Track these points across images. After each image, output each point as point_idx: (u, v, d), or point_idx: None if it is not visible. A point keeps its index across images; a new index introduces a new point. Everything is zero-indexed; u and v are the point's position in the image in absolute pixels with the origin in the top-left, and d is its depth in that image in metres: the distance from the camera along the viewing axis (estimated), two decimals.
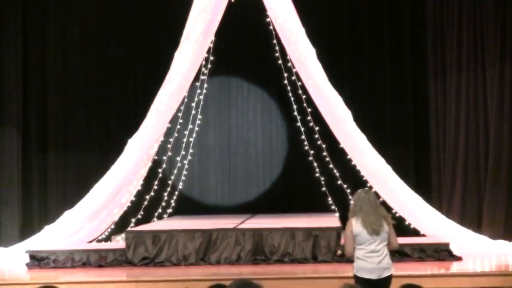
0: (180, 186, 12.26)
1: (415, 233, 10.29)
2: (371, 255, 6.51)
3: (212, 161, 13.38)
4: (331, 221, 10.43)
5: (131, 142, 10.35)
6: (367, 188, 6.89)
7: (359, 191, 6.74)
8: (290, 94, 11.29)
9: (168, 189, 11.98)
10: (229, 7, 10.39)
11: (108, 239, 11.04)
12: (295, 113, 11.42)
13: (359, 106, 11.37)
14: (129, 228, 10.38)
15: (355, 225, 6.54)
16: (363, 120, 10.54)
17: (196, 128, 12.13)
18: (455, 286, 8.09)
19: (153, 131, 10.36)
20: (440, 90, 11.77)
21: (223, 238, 9.41)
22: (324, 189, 11.65)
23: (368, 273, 6.51)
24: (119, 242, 10.55)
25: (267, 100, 13.19)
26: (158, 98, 10.31)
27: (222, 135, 13.40)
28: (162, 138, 11.10)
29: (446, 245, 9.38)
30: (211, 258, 9.34)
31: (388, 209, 9.62)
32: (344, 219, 8.54)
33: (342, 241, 9.32)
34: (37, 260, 9.48)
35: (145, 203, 11.57)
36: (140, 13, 13.19)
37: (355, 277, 6.61)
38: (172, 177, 12.10)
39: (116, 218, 10.75)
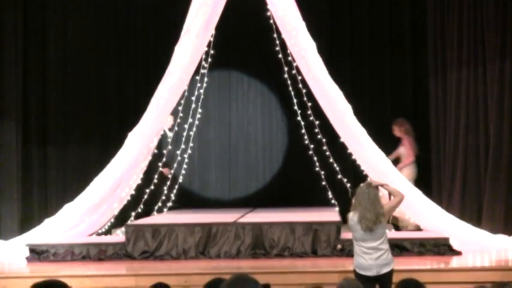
0: (180, 180, 12.25)
1: (415, 227, 10.29)
2: (369, 252, 6.51)
3: (212, 155, 13.37)
4: (331, 215, 10.42)
5: (131, 136, 10.35)
6: (369, 182, 6.85)
7: (361, 185, 6.73)
8: (290, 88, 11.24)
9: (168, 183, 11.98)
10: (230, 1, 10.36)
11: (108, 232, 11.04)
12: (296, 107, 11.38)
13: (359, 101, 11.34)
14: (128, 222, 10.38)
15: (351, 219, 6.57)
16: (363, 115, 10.52)
17: (197, 122, 12.11)
18: (455, 280, 8.07)
19: (153, 124, 10.35)
20: (440, 88, 11.74)
21: (223, 232, 9.40)
22: (324, 183, 11.62)
23: (366, 270, 6.52)
24: (118, 235, 10.55)
25: (267, 94, 13.17)
26: (158, 91, 10.29)
27: (222, 129, 13.38)
28: (161, 132, 11.12)
29: (446, 239, 9.36)
30: (211, 252, 9.33)
31: None
32: (344, 214, 8.54)
33: (342, 235, 9.36)
34: (37, 254, 9.47)
35: (146, 196, 11.56)
36: (140, 7, 13.16)
37: (355, 272, 6.61)
38: (172, 171, 12.10)
39: (116, 211, 10.74)
